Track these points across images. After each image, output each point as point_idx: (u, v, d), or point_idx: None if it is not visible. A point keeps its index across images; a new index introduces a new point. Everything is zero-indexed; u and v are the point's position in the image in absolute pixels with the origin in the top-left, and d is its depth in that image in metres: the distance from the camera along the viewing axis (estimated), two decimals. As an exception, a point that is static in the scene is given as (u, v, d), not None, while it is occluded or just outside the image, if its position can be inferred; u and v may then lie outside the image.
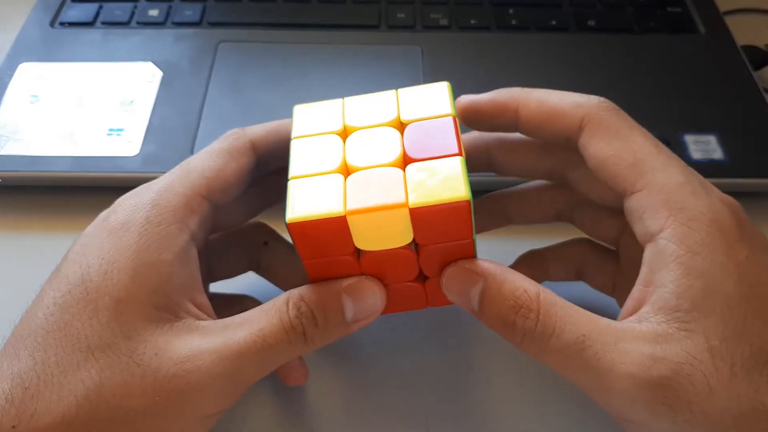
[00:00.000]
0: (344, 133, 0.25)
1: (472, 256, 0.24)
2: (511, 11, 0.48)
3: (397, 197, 0.22)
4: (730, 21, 0.48)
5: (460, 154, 0.23)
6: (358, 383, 0.31)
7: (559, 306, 0.23)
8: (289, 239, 0.30)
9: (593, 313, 0.23)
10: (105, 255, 0.23)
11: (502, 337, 0.24)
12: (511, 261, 0.32)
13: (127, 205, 0.25)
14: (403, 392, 0.31)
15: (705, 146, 0.39)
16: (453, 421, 0.30)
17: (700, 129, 0.40)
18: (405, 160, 0.24)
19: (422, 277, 0.26)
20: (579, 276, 0.31)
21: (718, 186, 0.25)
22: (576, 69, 0.44)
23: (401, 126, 0.25)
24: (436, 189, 0.22)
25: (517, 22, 0.47)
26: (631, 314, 0.23)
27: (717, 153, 0.39)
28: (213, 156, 0.27)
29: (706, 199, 0.23)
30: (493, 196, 0.32)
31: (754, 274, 0.22)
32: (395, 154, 0.24)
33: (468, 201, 0.22)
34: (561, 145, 0.27)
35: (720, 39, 0.46)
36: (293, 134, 0.26)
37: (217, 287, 0.31)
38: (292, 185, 0.24)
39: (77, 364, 0.22)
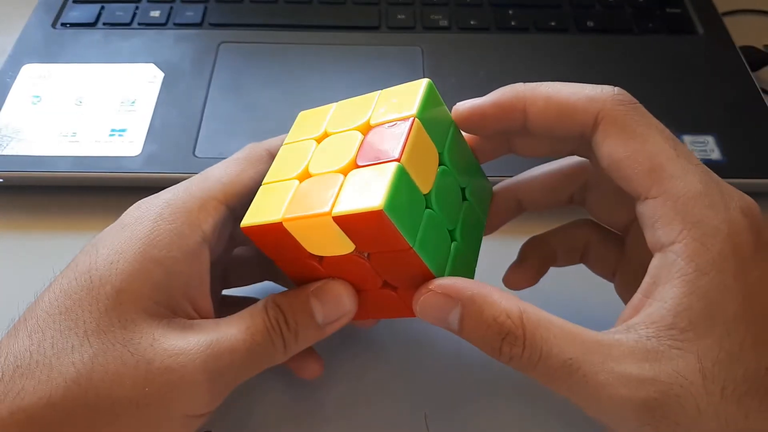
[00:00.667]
0: (322, 139, 0.26)
1: (421, 264, 0.23)
2: (510, 12, 0.48)
3: (324, 205, 0.22)
4: (729, 22, 0.48)
5: (398, 160, 0.22)
6: (358, 381, 0.32)
7: (544, 326, 0.22)
8: None
9: (578, 327, 0.22)
10: (114, 246, 0.24)
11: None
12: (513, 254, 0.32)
13: (143, 205, 0.26)
14: (403, 389, 0.31)
15: (703, 147, 0.39)
16: (452, 418, 0.30)
17: (699, 129, 0.40)
18: (353, 166, 0.24)
19: (391, 285, 0.25)
20: (581, 259, 0.31)
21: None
22: (575, 69, 0.45)
23: (369, 129, 0.25)
24: (359, 197, 0.22)
25: (517, 23, 0.48)
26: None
27: (715, 153, 0.39)
28: (231, 163, 0.27)
29: (724, 214, 0.22)
30: (503, 188, 0.30)
31: (761, 297, 0.21)
32: (346, 160, 0.24)
33: (381, 211, 0.21)
34: (574, 141, 0.26)
35: (719, 40, 0.47)
36: (285, 141, 0.27)
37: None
38: (259, 191, 0.25)
39: (71, 347, 0.22)
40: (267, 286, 0.33)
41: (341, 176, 0.23)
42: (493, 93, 0.26)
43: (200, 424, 0.24)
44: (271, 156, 0.28)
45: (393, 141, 0.23)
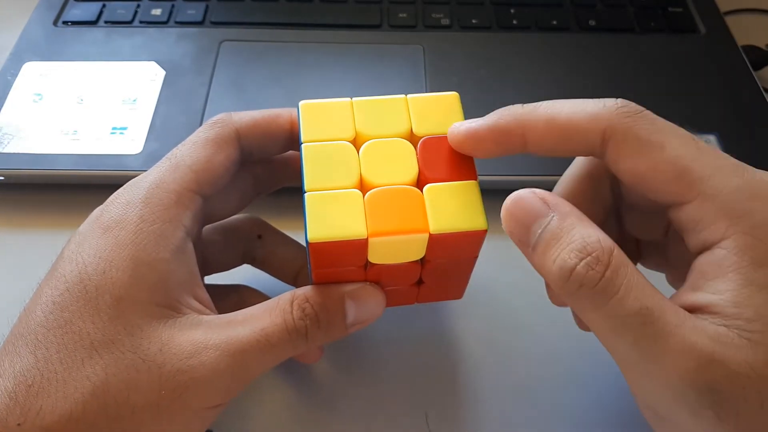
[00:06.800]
0: (356, 141, 0.25)
1: (472, 266, 0.25)
2: (512, 11, 0.48)
3: (419, 222, 0.23)
4: (731, 21, 0.48)
5: (475, 178, 0.24)
6: (358, 381, 0.32)
7: (631, 269, 0.20)
8: (282, 230, 0.31)
9: (658, 290, 0.21)
10: (102, 254, 0.23)
11: (550, 288, 0.22)
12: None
13: (119, 203, 0.25)
14: (404, 386, 0.31)
15: (705, 146, 0.39)
16: (452, 416, 0.30)
17: (701, 129, 0.40)
18: (421, 179, 0.24)
19: (419, 282, 0.27)
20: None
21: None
22: (577, 68, 0.45)
23: (413, 138, 0.25)
24: (457, 216, 0.23)
25: (518, 21, 0.48)
26: None
27: (717, 152, 0.39)
28: (199, 147, 0.26)
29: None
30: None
31: None
32: (412, 172, 0.24)
33: (485, 230, 0.23)
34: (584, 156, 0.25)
35: (720, 39, 0.47)
36: (303, 137, 0.25)
37: (212, 278, 0.32)
38: (309, 199, 0.23)
39: (81, 361, 0.22)
40: (245, 270, 0.32)
41: (418, 191, 0.24)
42: (490, 116, 0.24)
43: (222, 410, 0.25)
44: (239, 135, 0.27)
45: (459, 158, 0.24)
